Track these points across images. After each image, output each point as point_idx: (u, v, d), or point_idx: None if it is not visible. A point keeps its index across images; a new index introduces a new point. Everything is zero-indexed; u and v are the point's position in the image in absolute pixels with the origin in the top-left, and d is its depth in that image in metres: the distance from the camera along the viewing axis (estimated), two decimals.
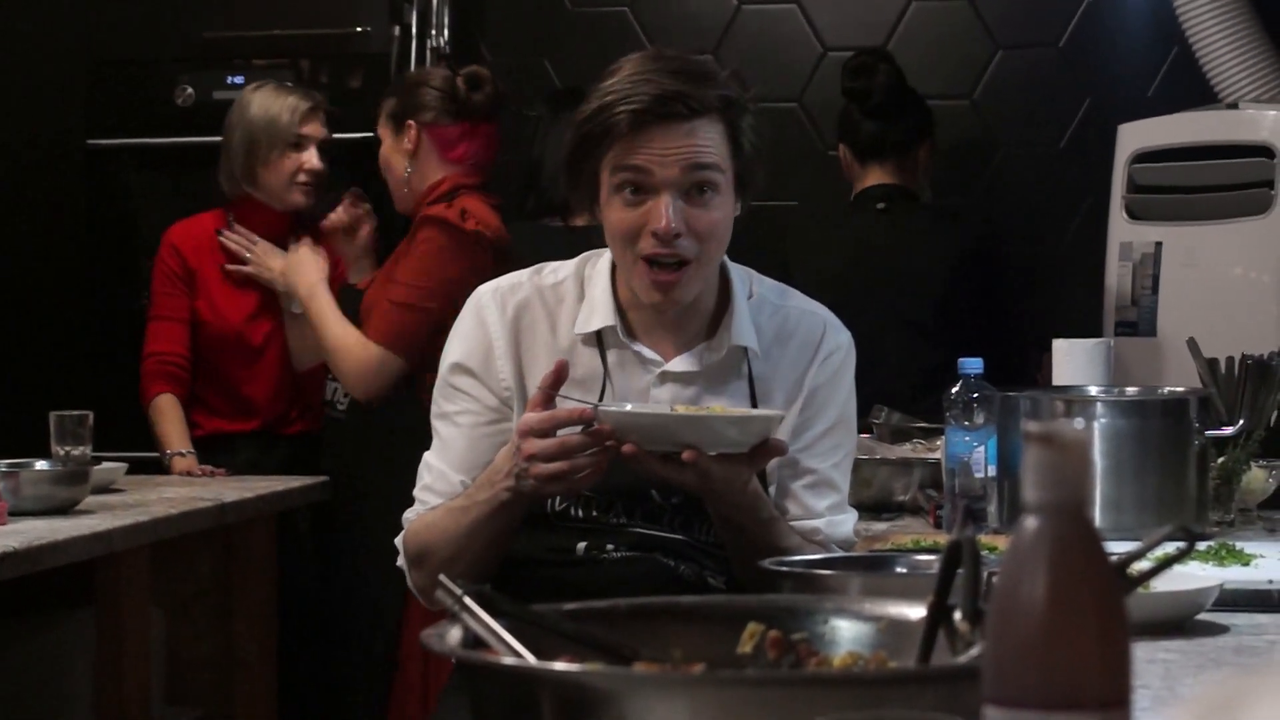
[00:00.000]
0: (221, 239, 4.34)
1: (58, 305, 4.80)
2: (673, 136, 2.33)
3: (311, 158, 4.31)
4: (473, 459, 2.41)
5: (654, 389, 2.43)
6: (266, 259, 4.31)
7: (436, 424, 2.50)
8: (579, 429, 2.20)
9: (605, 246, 2.48)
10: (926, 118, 4.50)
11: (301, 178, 4.31)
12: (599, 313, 2.43)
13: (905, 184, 4.41)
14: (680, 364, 2.44)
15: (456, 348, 2.48)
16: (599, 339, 2.44)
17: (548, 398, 2.23)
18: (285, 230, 4.37)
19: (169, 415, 4.29)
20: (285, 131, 4.29)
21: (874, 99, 4.40)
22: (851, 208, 4.44)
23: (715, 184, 2.36)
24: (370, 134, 4.28)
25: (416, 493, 2.49)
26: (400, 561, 2.48)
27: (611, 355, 2.44)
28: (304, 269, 4.29)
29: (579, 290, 2.47)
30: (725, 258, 2.48)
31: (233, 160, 4.32)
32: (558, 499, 2.41)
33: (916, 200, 4.42)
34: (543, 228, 4.14)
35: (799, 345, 2.49)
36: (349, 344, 4.11)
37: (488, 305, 2.47)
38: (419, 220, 4.13)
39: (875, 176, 4.41)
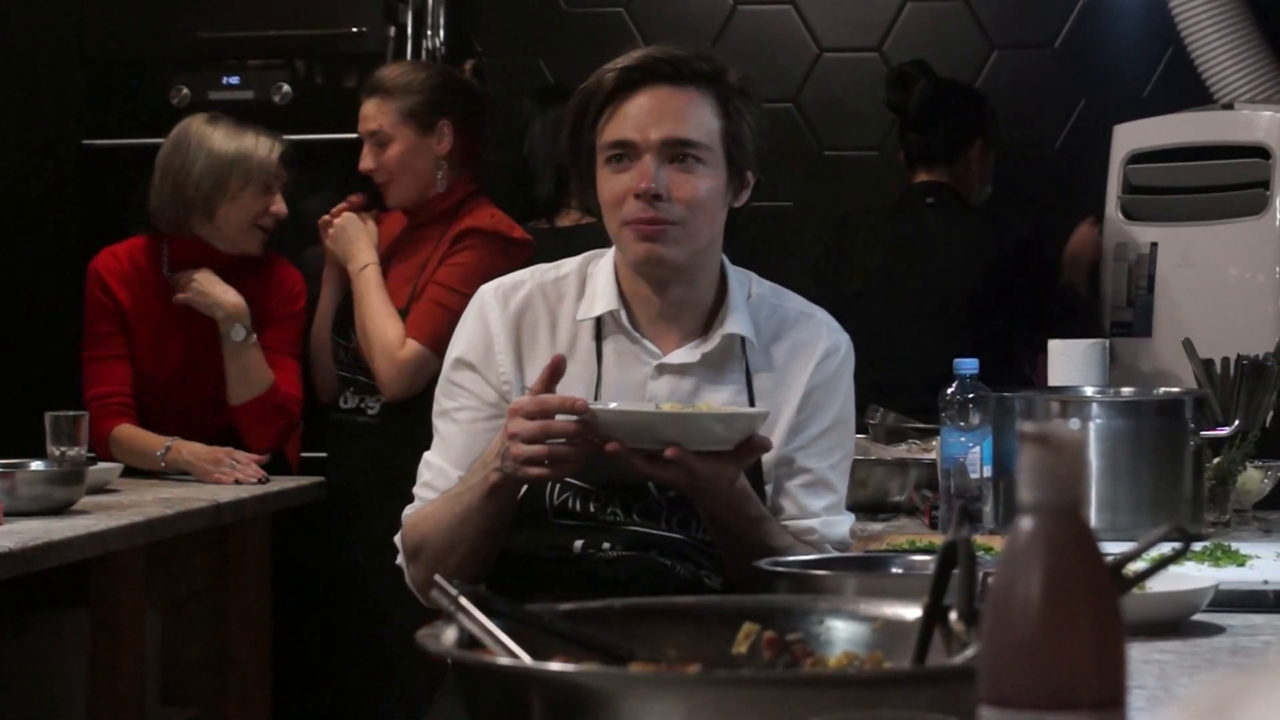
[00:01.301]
0: (168, 277, 4.09)
1: (53, 306, 4.78)
2: (659, 99, 2.38)
3: (280, 203, 4.10)
4: (471, 455, 2.42)
5: (651, 382, 2.44)
6: (208, 286, 4.06)
7: (437, 422, 2.51)
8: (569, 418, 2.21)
9: (592, 248, 2.53)
10: (974, 119, 4.48)
11: (266, 221, 4.09)
12: (602, 298, 2.45)
13: (953, 184, 4.42)
14: (677, 356, 2.45)
15: (459, 344, 2.51)
16: (598, 333, 2.45)
17: (545, 391, 2.24)
18: (226, 273, 4.10)
19: (134, 433, 4.06)
20: (260, 170, 4.06)
21: (910, 113, 4.43)
22: (896, 205, 4.47)
23: (699, 153, 2.38)
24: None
25: (416, 490, 2.50)
26: (399, 559, 2.48)
27: (609, 348, 2.45)
28: (354, 239, 4.08)
29: (580, 286, 2.49)
30: (724, 259, 2.49)
31: (189, 190, 4.03)
32: (557, 490, 2.42)
33: (960, 200, 4.43)
34: (529, 230, 4.11)
35: (797, 344, 2.50)
36: (390, 340, 3.93)
37: (490, 302, 2.49)
38: (461, 231, 4.00)
39: (924, 178, 4.44)
